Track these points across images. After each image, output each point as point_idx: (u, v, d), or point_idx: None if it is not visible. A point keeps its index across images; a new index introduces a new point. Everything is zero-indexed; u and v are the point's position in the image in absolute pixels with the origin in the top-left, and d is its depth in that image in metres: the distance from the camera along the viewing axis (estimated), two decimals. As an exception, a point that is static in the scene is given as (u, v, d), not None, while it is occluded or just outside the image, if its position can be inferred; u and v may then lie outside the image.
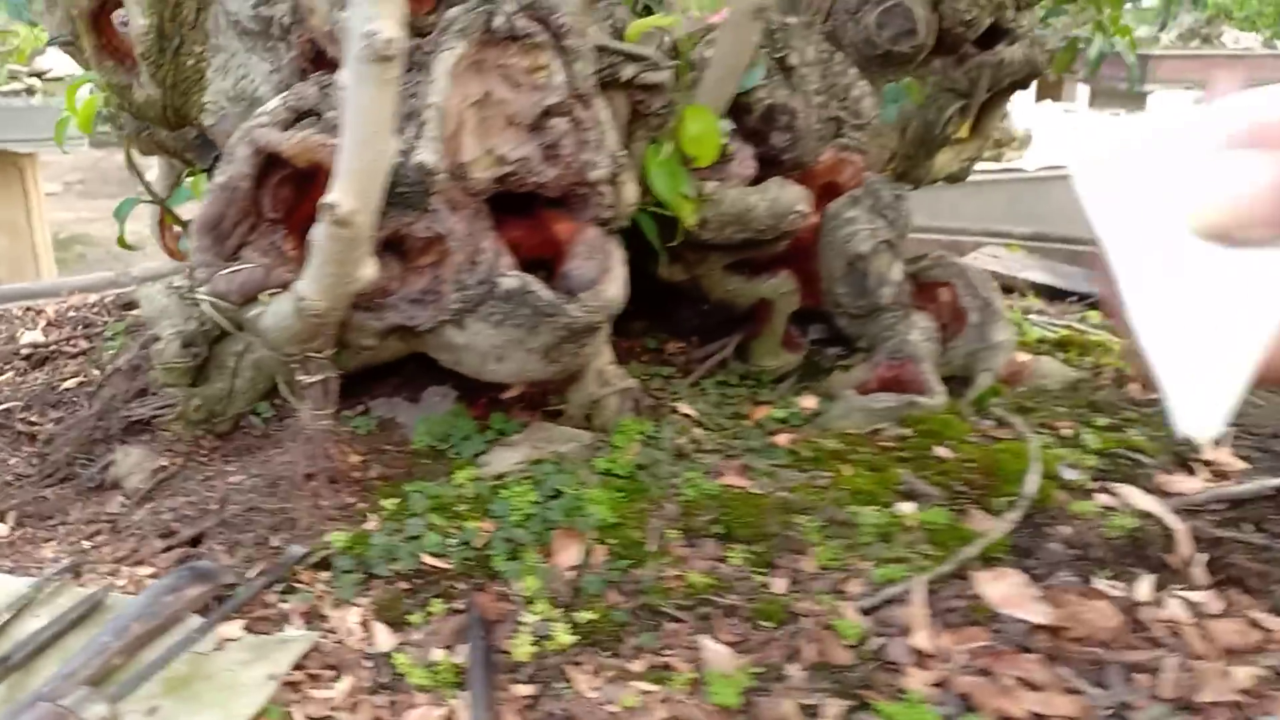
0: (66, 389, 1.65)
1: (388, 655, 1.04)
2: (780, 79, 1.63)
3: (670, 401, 1.53)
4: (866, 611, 1.12)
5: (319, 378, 1.20)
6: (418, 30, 1.28)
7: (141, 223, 1.83)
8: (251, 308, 1.15)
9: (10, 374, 1.80)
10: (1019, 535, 1.25)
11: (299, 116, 1.17)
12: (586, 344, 1.24)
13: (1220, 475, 1.45)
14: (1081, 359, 1.81)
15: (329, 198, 0.95)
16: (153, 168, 1.84)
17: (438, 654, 1.04)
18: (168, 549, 1.19)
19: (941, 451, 1.37)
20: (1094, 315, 2.37)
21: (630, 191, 1.31)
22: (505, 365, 1.22)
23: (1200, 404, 0.35)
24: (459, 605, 1.10)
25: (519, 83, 1.22)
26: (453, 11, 1.22)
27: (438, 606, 1.10)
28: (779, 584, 1.16)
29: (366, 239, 1.01)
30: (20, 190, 5.69)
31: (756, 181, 1.60)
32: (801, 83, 1.64)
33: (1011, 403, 1.56)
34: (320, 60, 1.32)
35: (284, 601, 1.11)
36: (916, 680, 1.04)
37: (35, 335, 2.03)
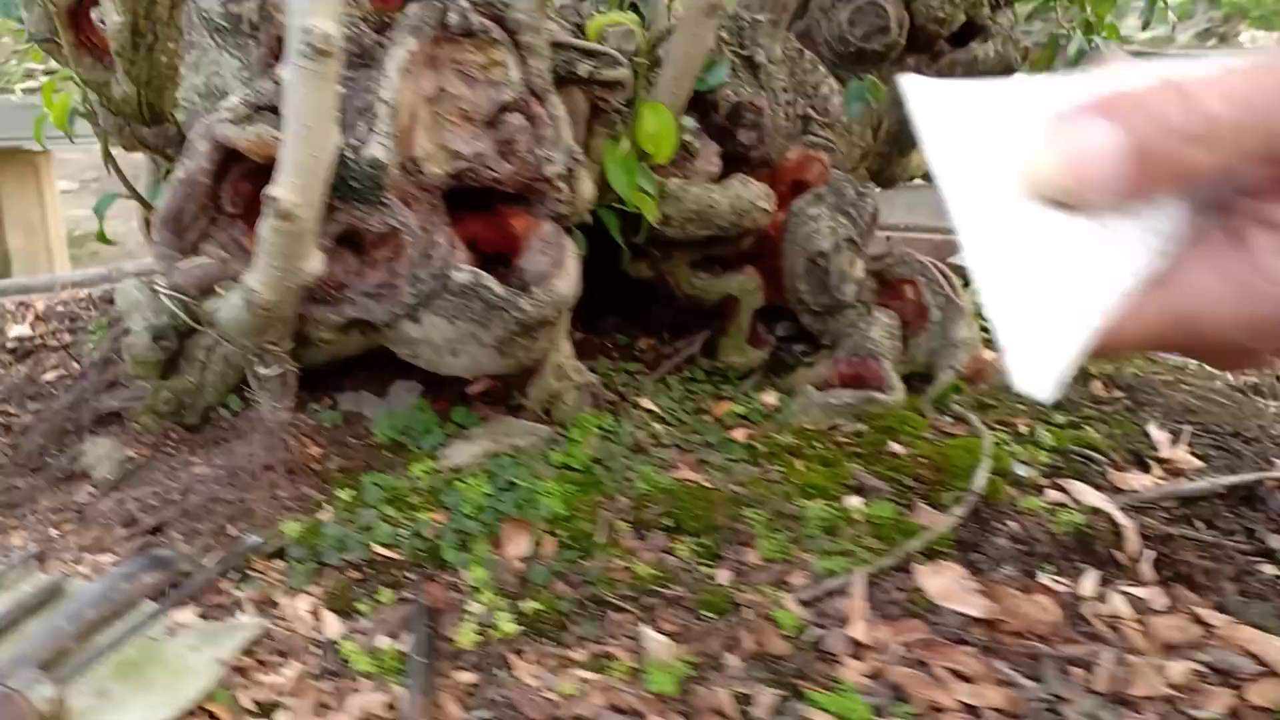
0: (46, 381, 1.68)
1: (335, 642, 1.06)
2: (747, 77, 1.64)
3: (633, 397, 1.55)
4: (807, 603, 1.13)
5: (277, 370, 1.22)
6: (382, 26, 1.31)
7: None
8: (209, 300, 1.17)
9: (-6, 366, 1.83)
10: (966, 530, 1.26)
11: (258, 111, 1.19)
12: (539, 338, 1.26)
13: (1176, 473, 1.46)
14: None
15: (272, 191, 0.97)
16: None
17: (383, 642, 1.06)
18: (129, 537, 1.22)
19: (895, 447, 1.39)
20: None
21: (587, 187, 1.33)
22: (460, 359, 1.24)
23: (1037, 363, 0.35)
24: (408, 595, 1.13)
25: (474, 79, 1.24)
26: (411, 8, 1.24)
27: (386, 595, 1.12)
28: (723, 575, 1.18)
29: (311, 232, 1.03)
30: (35, 188, 5.74)
31: (723, 178, 1.62)
32: (768, 80, 1.65)
33: (972, 400, 1.58)
34: (285, 58, 1.35)
35: (238, 589, 1.14)
36: (851, 671, 1.05)
37: (23, 329, 2.06)
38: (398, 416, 1.41)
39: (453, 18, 1.20)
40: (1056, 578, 1.22)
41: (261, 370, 1.22)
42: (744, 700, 1.02)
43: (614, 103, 1.39)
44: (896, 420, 1.45)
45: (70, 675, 0.97)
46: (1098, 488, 1.37)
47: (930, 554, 1.21)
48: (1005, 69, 1.97)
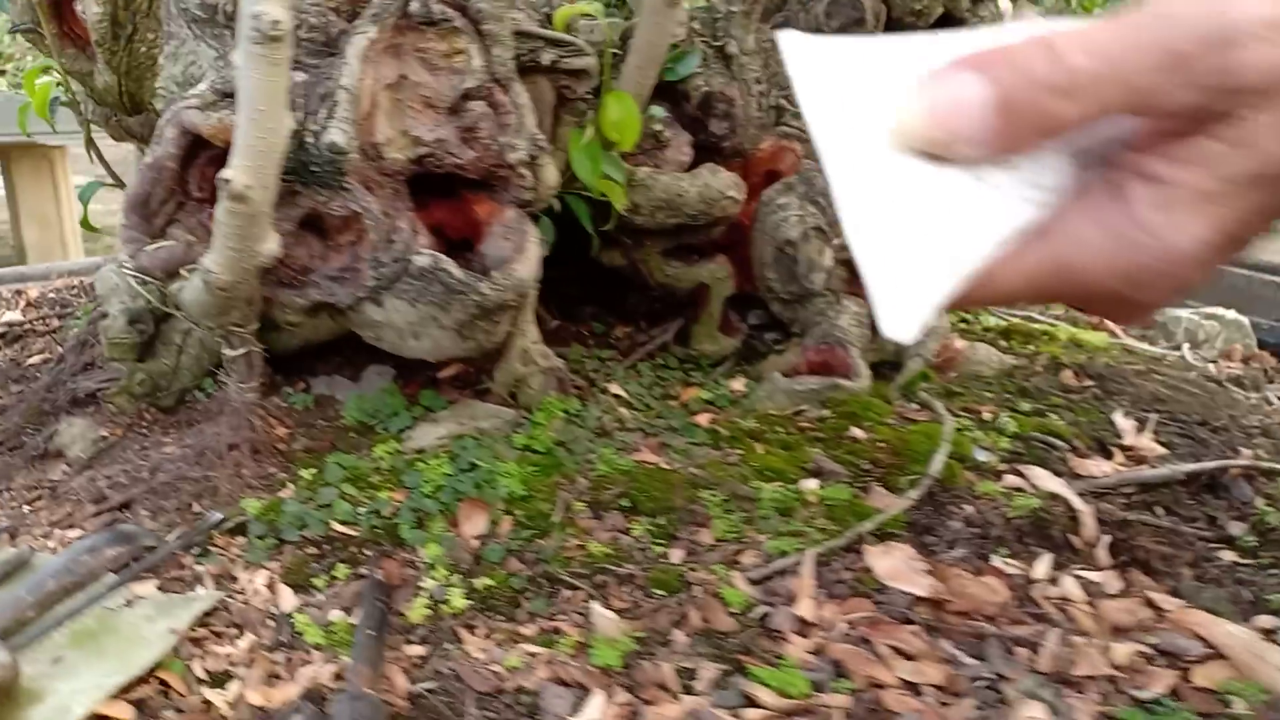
0: (31, 364, 1.71)
1: (289, 616, 1.09)
2: (719, 67, 1.66)
3: (602, 382, 1.57)
4: (756, 582, 1.15)
5: (242, 351, 1.25)
6: (354, 15, 1.33)
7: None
8: (175, 283, 1.20)
9: (-17, 351, 1.87)
10: (921, 513, 1.28)
11: (224, 97, 1.22)
12: (500, 321, 1.28)
13: (1139, 461, 1.47)
14: (1024, 347, 1.83)
15: (225, 173, 0.99)
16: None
17: (336, 615, 1.09)
18: (98, 513, 1.25)
19: (857, 432, 1.40)
20: (1056, 305, 2.38)
21: (550, 174, 1.34)
22: (421, 341, 1.26)
23: (901, 307, 0.35)
24: (363, 571, 1.15)
25: (437, 66, 1.26)
26: (377, -1, 1.27)
27: (342, 571, 1.14)
28: (676, 555, 1.19)
29: (265, 214, 1.05)
30: (50, 182, 5.82)
31: (695, 168, 1.63)
32: (741, 71, 1.67)
33: (940, 388, 1.59)
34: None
35: (199, 564, 1.16)
36: (795, 647, 1.07)
37: (14, 315, 2.10)
38: (367, 400, 1.44)
39: (414, 6, 1.22)
40: (1009, 561, 1.23)
41: (227, 351, 1.25)
42: (687, 675, 1.03)
43: (579, 91, 1.40)
44: (860, 406, 1.46)
45: (27, 643, 0.99)
46: (1057, 474, 1.38)
47: (883, 536, 1.22)
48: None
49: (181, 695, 0.99)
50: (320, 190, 1.19)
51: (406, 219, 1.25)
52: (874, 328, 1.63)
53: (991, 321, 2.05)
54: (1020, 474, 1.36)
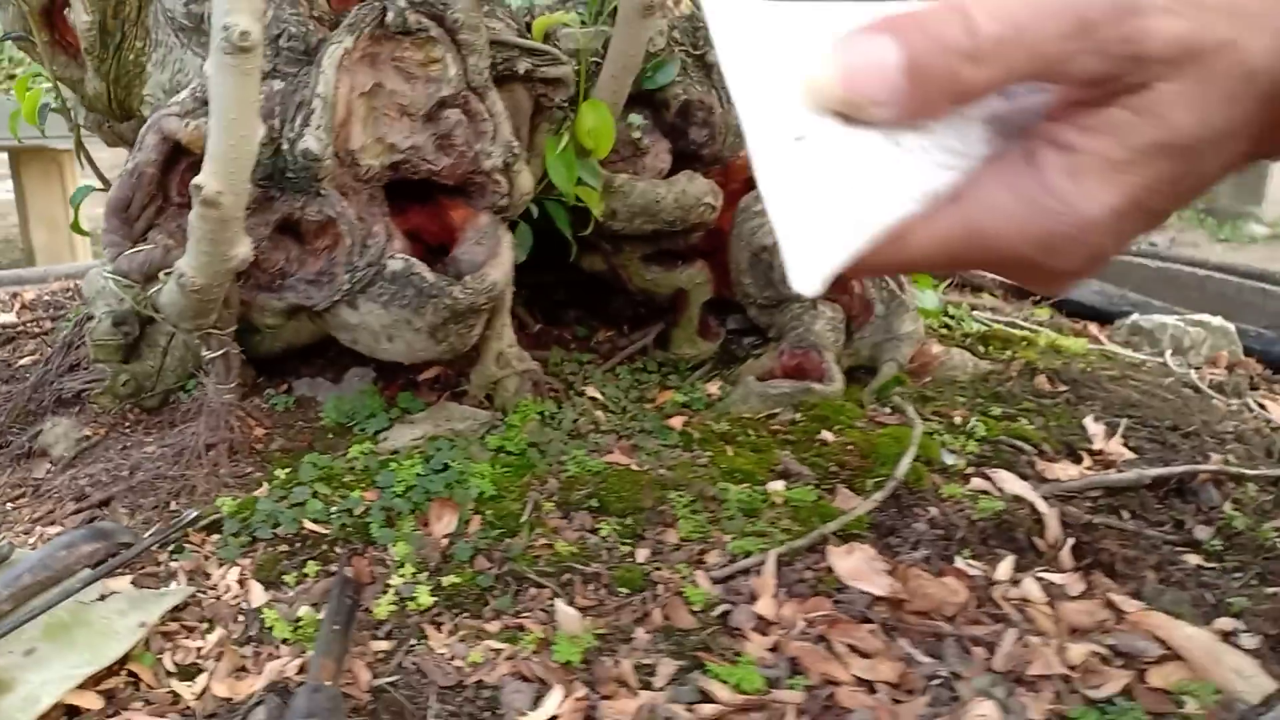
0: (20, 365, 1.74)
1: (259, 611, 1.11)
2: (699, 76, 1.68)
3: (580, 385, 1.59)
4: (718, 581, 1.17)
5: (220, 353, 1.27)
6: (336, 24, 1.35)
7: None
8: (153, 286, 1.22)
9: (-23, 353, 1.90)
10: (885, 515, 1.29)
11: (204, 105, 1.25)
12: (473, 324, 1.30)
13: (1107, 465, 1.49)
14: (1001, 353, 1.85)
15: (197, 180, 1.02)
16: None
17: (305, 611, 1.11)
18: (78, 511, 1.28)
19: (827, 435, 1.42)
20: (1041, 311, 2.40)
21: (526, 180, 1.37)
22: (395, 344, 1.29)
23: (808, 261, 0.36)
24: (333, 568, 1.17)
25: (413, 75, 1.28)
26: (356, 8, 1.29)
27: (312, 568, 1.16)
28: (642, 554, 1.21)
29: (237, 219, 1.08)
30: (59, 185, 5.87)
31: (673, 174, 1.66)
32: (720, 80, 1.69)
33: (914, 392, 1.61)
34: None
35: (173, 560, 1.19)
36: (754, 645, 1.09)
37: (9, 317, 2.14)
38: (345, 401, 1.46)
39: (391, 17, 1.25)
40: (972, 562, 1.24)
41: (205, 353, 1.27)
42: (646, 671, 1.05)
43: (556, 99, 1.43)
44: (832, 410, 1.48)
45: (0, 635, 1.02)
46: (1024, 477, 1.40)
47: (846, 537, 1.24)
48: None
49: (150, 687, 1.02)
50: (296, 196, 1.22)
51: (382, 224, 1.27)
52: (849, 332, 1.65)
53: (974, 327, 2.06)
54: (987, 477, 1.38)
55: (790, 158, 0.35)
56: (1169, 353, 2.14)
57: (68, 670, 0.98)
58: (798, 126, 0.35)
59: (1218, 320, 2.26)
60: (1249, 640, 1.17)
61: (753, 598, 1.15)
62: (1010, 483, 1.35)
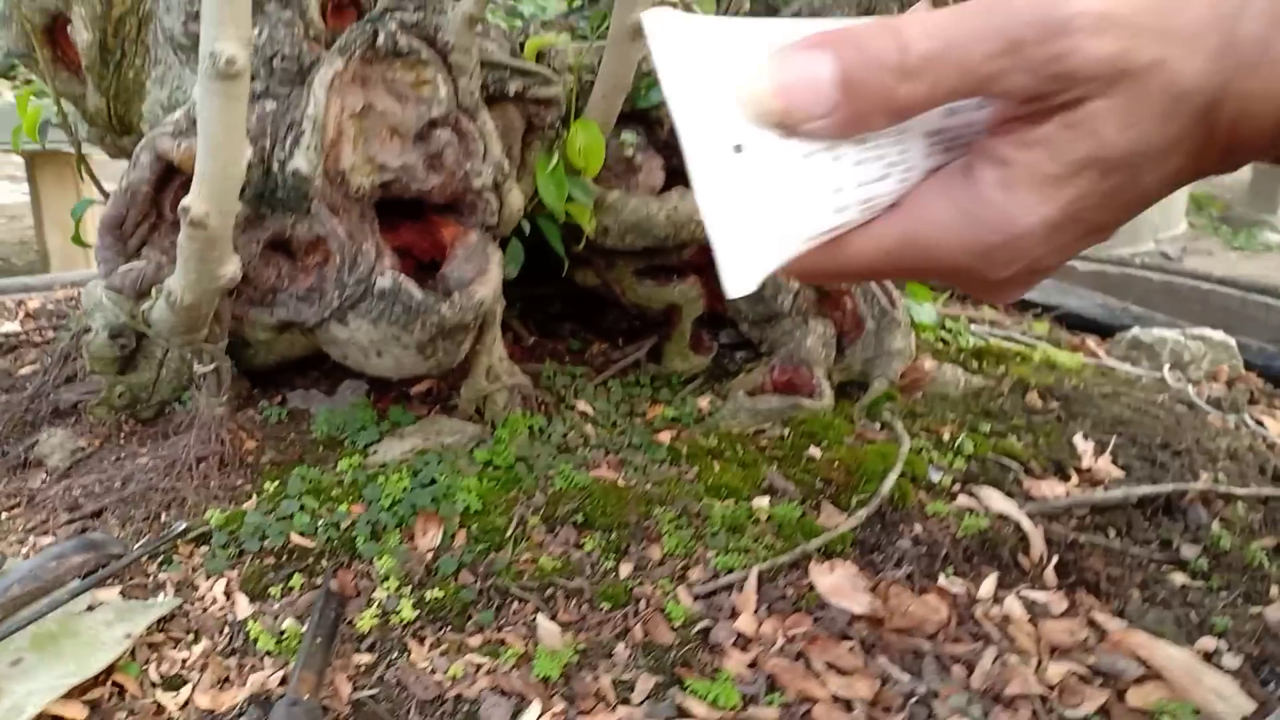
0: (21, 375, 1.76)
1: (244, 623, 1.12)
2: (692, 93, 1.69)
3: (571, 399, 1.60)
4: (700, 597, 1.18)
5: (211, 366, 1.29)
6: (331, 44, 1.37)
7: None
8: (145, 302, 1.24)
9: (-20, 362, 1.92)
10: (869, 531, 1.30)
11: (195, 125, 1.27)
12: (461, 340, 1.31)
13: (1095, 483, 1.49)
14: (994, 369, 1.85)
15: (186, 201, 1.04)
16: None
17: (289, 623, 1.12)
18: (71, 521, 1.29)
19: (814, 451, 1.43)
20: (1040, 325, 2.40)
21: (516, 199, 1.38)
22: (384, 360, 1.30)
23: (738, 268, 0.36)
24: (319, 581, 1.18)
25: (404, 96, 1.30)
26: (348, 30, 1.31)
27: (298, 581, 1.18)
28: (625, 569, 1.22)
29: (225, 239, 1.10)
30: (74, 190, 5.94)
31: (666, 191, 1.67)
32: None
33: (904, 408, 1.61)
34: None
35: (162, 571, 1.20)
36: (733, 661, 1.09)
37: (12, 326, 2.17)
38: (337, 414, 1.48)
39: (382, 39, 1.27)
40: (955, 580, 1.25)
41: (197, 367, 1.29)
42: (625, 686, 1.06)
43: (548, 119, 1.45)
44: (821, 426, 1.48)
45: (-11, 645, 1.04)
46: (1011, 495, 1.40)
47: (829, 553, 1.24)
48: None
49: (135, 697, 1.03)
50: (287, 213, 1.24)
51: (372, 241, 1.29)
52: (840, 348, 1.66)
53: (969, 342, 2.06)
54: (972, 494, 1.38)
55: (728, 166, 0.36)
56: (1168, 367, 2.13)
57: (53, 681, 0.99)
58: (737, 137, 0.36)
59: (1219, 334, 2.25)
60: (1231, 660, 1.17)
61: (734, 614, 1.16)
62: (995, 500, 1.36)
